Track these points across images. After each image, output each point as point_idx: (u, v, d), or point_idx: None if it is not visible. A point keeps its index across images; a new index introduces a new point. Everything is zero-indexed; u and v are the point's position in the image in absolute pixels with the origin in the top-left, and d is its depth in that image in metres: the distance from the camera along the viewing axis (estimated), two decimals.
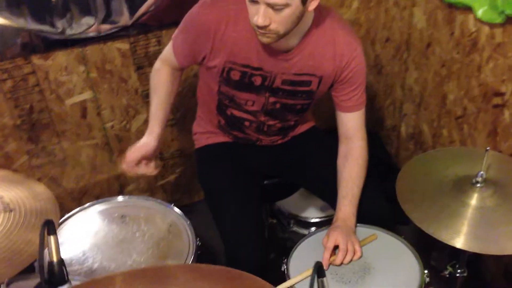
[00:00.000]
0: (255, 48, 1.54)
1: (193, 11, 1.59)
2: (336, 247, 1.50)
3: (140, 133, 2.32)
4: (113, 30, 2.06)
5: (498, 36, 1.73)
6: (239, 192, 1.72)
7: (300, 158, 1.83)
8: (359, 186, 1.65)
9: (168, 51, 1.72)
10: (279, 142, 1.84)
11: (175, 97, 1.81)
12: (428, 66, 2.10)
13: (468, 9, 1.82)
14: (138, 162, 1.65)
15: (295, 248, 1.60)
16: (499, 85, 1.78)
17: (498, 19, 1.67)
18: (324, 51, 1.56)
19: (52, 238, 1.00)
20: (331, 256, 1.49)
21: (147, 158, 1.66)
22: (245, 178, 1.77)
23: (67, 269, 1.02)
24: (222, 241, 1.70)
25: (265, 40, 1.43)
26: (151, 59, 2.20)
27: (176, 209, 1.78)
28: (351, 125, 1.67)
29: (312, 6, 1.41)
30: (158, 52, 2.16)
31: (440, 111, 2.11)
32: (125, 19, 2.05)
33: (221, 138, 1.84)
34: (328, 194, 1.78)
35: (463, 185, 1.37)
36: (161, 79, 1.74)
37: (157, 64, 1.76)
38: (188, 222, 1.69)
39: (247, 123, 1.74)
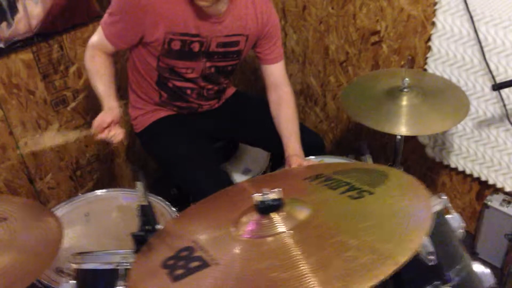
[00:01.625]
0: (191, 16, 1.71)
1: None
2: None
3: (54, 145, 2.30)
4: (16, 39, 2.02)
5: None
6: (199, 152, 1.89)
7: (237, 116, 2.04)
8: (297, 125, 1.93)
9: (98, 38, 1.78)
10: (216, 106, 2.03)
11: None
12: (307, 26, 2.47)
13: None
14: (107, 126, 1.68)
15: None
16: (374, 25, 2.21)
17: None
18: (247, 11, 1.80)
19: (139, 184, 1.09)
20: None
21: (115, 123, 1.68)
22: (198, 142, 1.93)
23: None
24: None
25: (204, 3, 1.62)
26: (55, 65, 2.20)
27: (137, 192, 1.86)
28: (278, 74, 1.94)
29: None
30: (62, 58, 2.19)
31: (324, 62, 2.49)
32: (26, 28, 2.04)
33: (163, 113, 1.96)
34: (269, 142, 2.02)
35: (393, 93, 1.74)
36: (100, 64, 1.78)
37: (89, 52, 1.80)
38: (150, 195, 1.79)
39: (188, 91, 1.90)
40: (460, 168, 2.19)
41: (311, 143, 1.97)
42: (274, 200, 0.90)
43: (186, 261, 0.87)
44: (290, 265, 0.76)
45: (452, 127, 1.93)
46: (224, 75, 1.93)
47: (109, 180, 2.61)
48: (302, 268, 0.75)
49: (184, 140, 1.91)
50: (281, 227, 0.87)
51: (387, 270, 0.69)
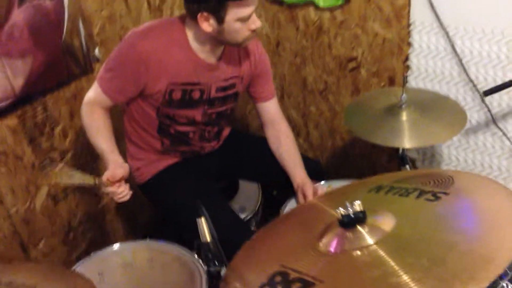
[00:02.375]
0: (192, 66, 1.74)
1: (124, 47, 1.70)
2: None
3: (45, 209, 2.23)
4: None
5: (339, 16, 2.26)
6: (209, 194, 1.88)
7: (238, 154, 2.06)
8: (299, 155, 1.98)
9: (95, 94, 1.76)
10: (217, 146, 2.04)
11: None
12: (282, 61, 2.54)
13: (307, 4, 2.31)
14: (118, 181, 1.65)
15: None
16: (350, 52, 2.31)
17: (339, 2, 2.20)
18: (240, 52, 1.85)
19: (202, 220, 1.07)
20: None
21: (124, 179, 1.67)
22: (206, 184, 1.92)
23: None
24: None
25: (250, 41, 1.70)
26: (41, 127, 2.14)
27: (153, 242, 1.82)
28: (274, 110, 1.99)
29: None
30: (47, 120, 2.14)
31: (303, 93, 2.56)
32: (9, 93, 1.99)
33: (167, 161, 1.94)
34: (272, 176, 2.04)
35: (393, 110, 1.82)
36: (99, 120, 1.77)
37: (87, 108, 1.78)
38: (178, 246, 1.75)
39: (191, 135, 1.91)
40: None
41: (310, 169, 2.00)
42: (358, 212, 0.92)
43: (284, 285, 0.86)
44: (404, 269, 0.77)
45: (456, 135, 2.03)
46: (224, 118, 1.96)
47: (102, 238, 2.52)
48: (418, 269, 0.76)
49: (193, 185, 1.90)
50: (372, 237, 0.88)
51: (508, 257, 0.72)
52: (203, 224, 1.10)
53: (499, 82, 1.97)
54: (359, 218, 0.92)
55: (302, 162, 1.94)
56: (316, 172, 2.04)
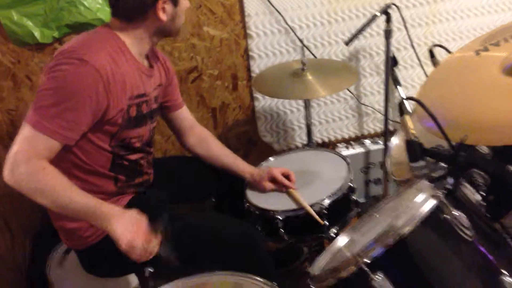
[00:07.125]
0: (138, 75, 1.58)
1: (69, 69, 1.39)
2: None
3: None
4: None
5: None
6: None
7: (173, 179, 1.87)
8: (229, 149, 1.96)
9: (35, 144, 1.38)
10: (153, 170, 1.81)
11: None
12: None
13: None
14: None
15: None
16: (190, 63, 2.35)
17: None
18: (154, 58, 1.73)
19: (406, 118, 1.06)
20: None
21: None
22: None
23: None
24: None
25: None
26: None
27: None
28: (189, 115, 1.95)
29: None
30: None
31: None
32: None
33: (121, 202, 1.63)
34: (215, 187, 1.94)
35: (298, 73, 2.04)
36: (57, 175, 1.40)
37: (28, 168, 1.35)
38: None
39: (142, 161, 1.70)
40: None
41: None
42: None
43: None
44: None
45: (356, 82, 2.32)
46: (153, 136, 1.77)
47: None
48: None
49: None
50: None
51: None
52: (407, 121, 1.06)
53: (326, 44, 2.39)
54: None
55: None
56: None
